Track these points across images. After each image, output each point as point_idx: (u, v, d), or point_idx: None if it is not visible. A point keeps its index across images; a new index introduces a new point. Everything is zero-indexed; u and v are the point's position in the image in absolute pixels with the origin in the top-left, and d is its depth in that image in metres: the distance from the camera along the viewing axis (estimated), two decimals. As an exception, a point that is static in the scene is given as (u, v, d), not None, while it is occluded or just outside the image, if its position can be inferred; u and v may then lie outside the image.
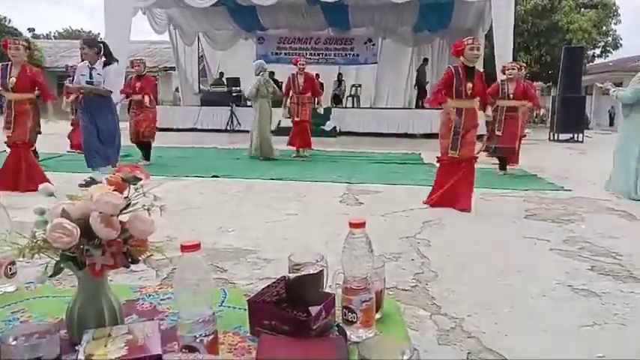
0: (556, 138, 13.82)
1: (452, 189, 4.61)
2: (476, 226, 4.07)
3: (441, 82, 4.75)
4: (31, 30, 39.16)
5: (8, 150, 5.32)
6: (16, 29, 27.37)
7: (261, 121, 8.13)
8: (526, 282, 2.75)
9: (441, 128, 4.78)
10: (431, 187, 4.87)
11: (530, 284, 2.71)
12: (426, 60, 16.43)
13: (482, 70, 5.45)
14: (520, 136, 7.27)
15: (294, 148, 8.41)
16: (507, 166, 7.04)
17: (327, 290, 1.22)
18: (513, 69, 6.83)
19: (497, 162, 7.08)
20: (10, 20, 28.18)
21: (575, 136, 13.72)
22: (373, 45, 17.78)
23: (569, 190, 5.67)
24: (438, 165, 4.93)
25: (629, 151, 5.38)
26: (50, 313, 1.26)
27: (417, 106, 15.71)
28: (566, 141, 13.55)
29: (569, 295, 2.57)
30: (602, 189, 5.71)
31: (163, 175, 6.12)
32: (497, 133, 6.65)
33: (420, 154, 9.19)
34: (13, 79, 5.04)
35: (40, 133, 5.54)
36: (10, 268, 1.50)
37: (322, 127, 12.59)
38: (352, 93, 16.74)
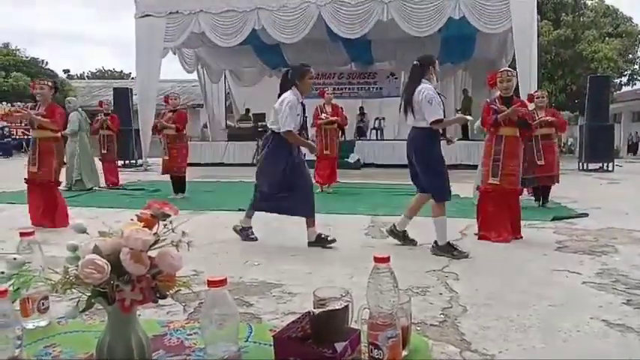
0: (585, 167, 13.55)
1: (498, 220, 4.60)
2: (505, 258, 3.99)
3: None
4: (66, 71, 40.93)
5: (25, 186, 5.39)
6: (52, 71, 28.64)
7: (83, 155, 8.65)
8: (558, 316, 2.67)
9: (483, 156, 4.86)
10: (458, 218, 4.80)
11: (562, 319, 2.62)
12: (465, 91, 16.26)
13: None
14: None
15: (320, 184, 8.20)
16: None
17: (352, 326, 1.21)
18: (543, 97, 6.85)
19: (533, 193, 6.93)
20: (47, 63, 29.58)
21: (605, 165, 13.44)
22: (396, 79, 17.98)
23: (601, 221, 5.52)
24: (477, 195, 4.88)
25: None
26: (81, 348, 1.28)
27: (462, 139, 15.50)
28: (596, 170, 13.27)
29: (604, 330, 2.47)
30: (636, 218, 5.54)
31: (191, 209, 6.21)
32: (539, 162, 6.51)
33: (445, 185, 9.09)
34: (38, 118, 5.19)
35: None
36: (43, 303, 1.54)
37: (346, 159, 12.66)
38: (376, 126, 16.84)
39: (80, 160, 8.64)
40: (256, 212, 4.69)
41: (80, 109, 8.96)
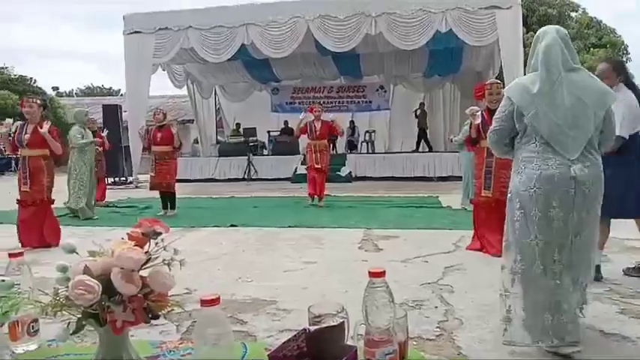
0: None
1: (492, 232, 4.51)
2: (497, 269, 3.97)
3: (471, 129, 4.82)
4: (55, 88, 40.74)
5: (17, 206, 5.28)
6: (40, 88, 28.44)
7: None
8: (554, 327, 2.65)
9: (475, 169, 4.90)
10: (451, 230, 4.80)
11: (558, 330, 2.61)
12: (422, 104, 16.64)
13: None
14: None
15: (311, 196, 8.35)
16: None
17: (349, 343, 1.19)
18: None
19: None
20: (35, 80, 29.42)
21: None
22: (385, 92, 18.13)
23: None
24: (471, 208, 4.91)
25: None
26: (71, 372, 1.25)
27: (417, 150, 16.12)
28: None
29: (600, 340, 2.47)
30: (625, 226, 5.56)
31: (182, 226, 6.16)
32: None
33: (437, 197, 9.13)
34: (27, 136, 5.16)
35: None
36: (33, 326, 1.50)
37: (338, 172, 12.68)
38: (366, 139, 16.93)
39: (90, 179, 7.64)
40: (248, 228, 4.63)
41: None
